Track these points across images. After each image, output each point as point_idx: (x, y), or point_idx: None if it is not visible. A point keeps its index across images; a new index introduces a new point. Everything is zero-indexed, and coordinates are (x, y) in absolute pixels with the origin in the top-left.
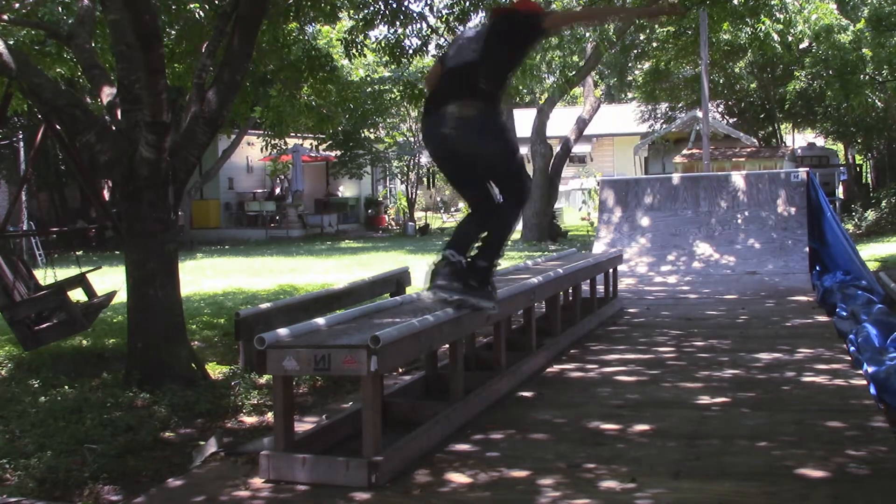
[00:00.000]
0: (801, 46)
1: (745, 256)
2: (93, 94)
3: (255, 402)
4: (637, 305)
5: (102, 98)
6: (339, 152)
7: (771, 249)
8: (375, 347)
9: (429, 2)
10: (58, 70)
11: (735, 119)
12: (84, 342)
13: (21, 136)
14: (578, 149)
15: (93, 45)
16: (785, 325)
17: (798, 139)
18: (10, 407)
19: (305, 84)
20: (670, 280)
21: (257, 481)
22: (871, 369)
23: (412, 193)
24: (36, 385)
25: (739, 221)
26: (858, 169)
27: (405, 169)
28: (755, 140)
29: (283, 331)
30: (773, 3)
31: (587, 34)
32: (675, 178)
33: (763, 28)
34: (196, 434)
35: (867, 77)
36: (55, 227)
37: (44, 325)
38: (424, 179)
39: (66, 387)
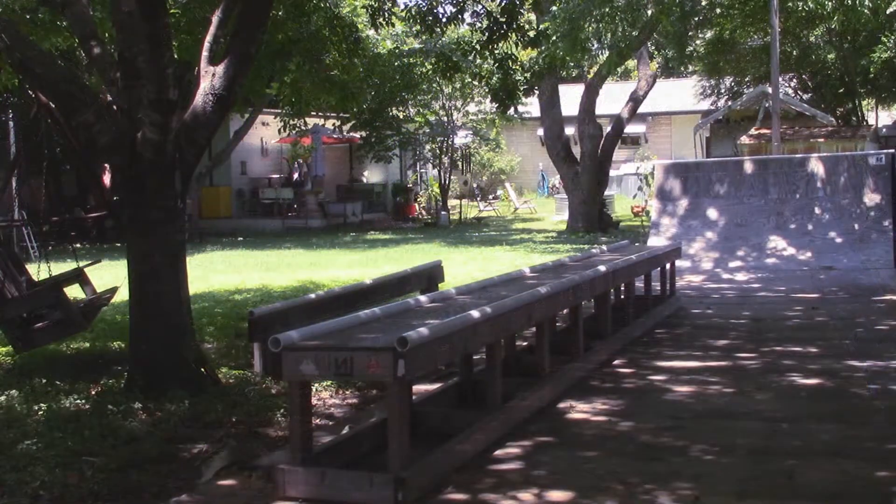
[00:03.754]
0: (888, 11)
1: (822, 250)
2: (91, 69)
3: (271, 410)
4: (699, 305)
5: (101, 73)
6: (364, 133)
7: (851, 242)
8: (403, 350)
9: None
10: (52, 41)
11: (810, 94)
12: (83, 344)
13: (11, 116)
14: (631, 129)
15: (91, 13)
16: (871, 328)
17: (882, 117)
18: (1, 416)
19: (327, 57)
20: (738, 277)
21: (273, 498)
22: None
23: (445, 179)
24: (30, 391)
25: (817, 211)
26: None
27: (437, 152)
28: (832, 118)
29: (300, 331)
30: None
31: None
32: (741, 161)
33: None
34: (205, 446)
35: None
36: (50, 217)
37: (38, 325)
38: (459, 163)
39: (63, 393)
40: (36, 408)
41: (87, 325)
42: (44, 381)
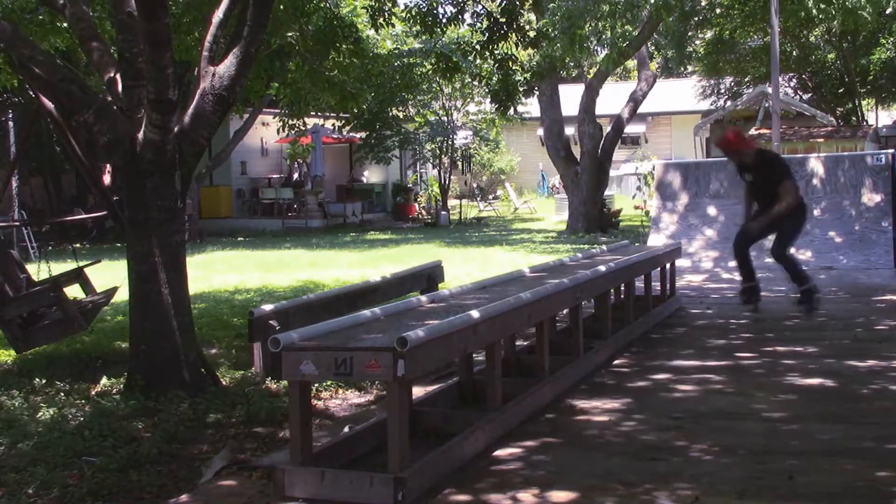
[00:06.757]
0: (887, 12)
1: (822, 250)
2: (91, 69)
3: (271, 410)
4: (699, 305)
5: (102, 73)
6: (364, 133)
7: (851, 242)
8: (402, 350)
9: None
10: (52, 41)
11: (810, 94)
12: (83, 344)
13: (11, 116)
14: (631, 129)
15: (91, 13)
16: (870, 328)
17: (882, 116)
18: (0, 416)
19: (327, 58)
20: (738, 277)
21: (273, 498)
22: None
23: (445, 179)
24: (30, 391)
25: (816, 211)
26: None
27: (437, 152)
28: (832, 118)
29: (300, 331)
30: None
31: None
32: None
33: None
34: (206, 446)
35: None
36: (50, 217)
37: (37, 325)
38: (459, 163)
39: (63, 393)
40: (36, 408)
41: (87, 325)
42: (44, 381)
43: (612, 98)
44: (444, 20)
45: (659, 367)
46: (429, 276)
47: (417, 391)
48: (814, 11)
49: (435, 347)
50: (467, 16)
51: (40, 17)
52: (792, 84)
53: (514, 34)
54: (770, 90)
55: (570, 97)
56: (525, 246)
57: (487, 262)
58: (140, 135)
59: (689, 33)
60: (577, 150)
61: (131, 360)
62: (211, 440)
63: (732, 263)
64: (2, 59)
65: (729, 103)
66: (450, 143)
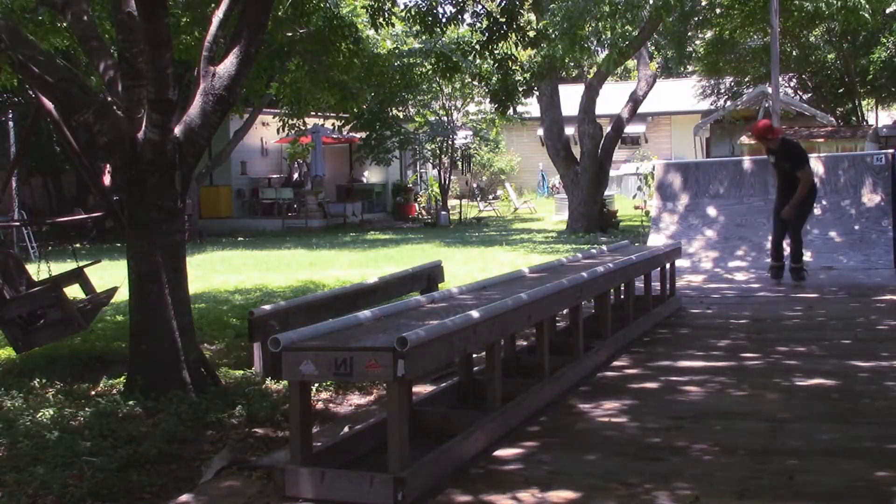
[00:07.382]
0: (887, 11)
1: (822, 250)
2: (91, 69)
3: (271, 410)
4: (699, 305)
5: (102, 73)
6: (364, 133)
7: (851, 242)
8: (402, 350)
9: None
10: (52, 41)
11: (810, 94)
12: (83, 344)
13: (11, 116)
14: (631, 129)
15: (91, 13)
16: (870, 328)
17: (882, 116)
18: (0, 416)
19: (327, 57)
20: (738, 277)
21: (273, 498)
22: None
23: (445, 179)
24: (29, 391)
25: (817, 211)
26: None
27: (437, 151)
28: (833, 118)
29: (300, 332)
30: None
31: None
32: (741, 161)
33: None
34: (206, 446)
35: None
36: (50, 217)
37: (37, 325)
38: (459, 163)
39: (63, 393)
40: (36, 408)
41: (87, 325)
42: (44, 381)
43: (612, 98)
44: (444, 20)
45: (659, 367)
46: (429, 276)
47: (418, 391)
48: (823, 6)
49: (435, 347)
50: (467, 16)
51: (40, 17)
52: (792, 84)
53: (514, 34)
54: (770, 90)
55: (570, 97)
56: (525, 246)
57: (487, 262)
58: (140, 135)
59: (689, 33)
60: (577, 150)
61: (131, 360)
62: (211, 440)
63: (733, 264)
64: (2, 59)
65: (729, 103)
66: (450, 143)
